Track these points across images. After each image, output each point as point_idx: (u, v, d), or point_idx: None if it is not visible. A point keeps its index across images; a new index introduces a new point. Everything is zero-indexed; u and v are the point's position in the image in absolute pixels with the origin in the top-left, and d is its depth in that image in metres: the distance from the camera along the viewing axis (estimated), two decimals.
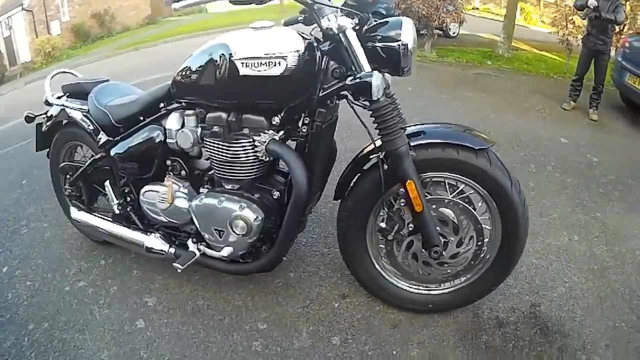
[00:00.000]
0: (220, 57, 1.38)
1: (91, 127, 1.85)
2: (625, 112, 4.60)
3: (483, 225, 1.53)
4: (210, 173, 1.66)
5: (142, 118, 1.70)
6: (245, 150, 1.47)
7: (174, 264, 1.63)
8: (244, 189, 1.55)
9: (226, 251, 1.58)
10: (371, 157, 1.50)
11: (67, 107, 1.93)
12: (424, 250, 1.53)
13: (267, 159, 1.47)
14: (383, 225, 1.51)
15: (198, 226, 1.64)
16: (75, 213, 1.98)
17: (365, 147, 1.54)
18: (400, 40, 1.33)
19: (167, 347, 1.61)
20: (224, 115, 1.48)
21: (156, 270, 1.99)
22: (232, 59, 1.35)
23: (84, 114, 1.87)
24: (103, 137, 1.82)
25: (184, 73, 1.50)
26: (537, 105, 4.67)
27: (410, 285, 1.68)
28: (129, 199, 1.87)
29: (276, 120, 1.43)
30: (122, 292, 1.89)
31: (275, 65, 1.31)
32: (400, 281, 1.68)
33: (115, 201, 1.89)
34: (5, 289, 1.96)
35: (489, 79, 5.88)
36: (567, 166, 3.11)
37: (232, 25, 11.09)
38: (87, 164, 1.95)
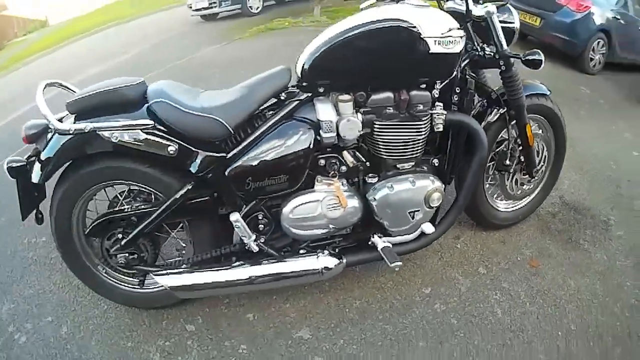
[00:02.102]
0: (403, 34, 1.41)
1: (170, 147, 1.40)
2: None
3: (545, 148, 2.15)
4: (367, 161, 1.62)
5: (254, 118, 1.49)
6: (425, 126, 1.57)
7: (392, 264, 1.56)
8: (417, 165, 1.66)
9: (428, 228, 1.69)
10: (494, 111, 1.87)
11: (105, 128, 1.36)
12: (524, 175, 2.08)
13: (437, 130, 1.62)
14: (508, 162, 1.98)
15: (383, 216, 1.61)
16: (164, 279, 1.54)
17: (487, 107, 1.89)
18: (514, 23, 1.76)
19: None
20: (391, 94, 1.51)
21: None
22: (422, 36, 1.42)
23: (148, 130, 1.39)
24: (199, 154, 1.44)
25: (330, 55, 1.43)
26: None
27: (507, 206, 2.22)
28: (263, 227, 1.59)
29: (436, 93, 1.58)
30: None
31: (457, 42, 1.50)
32: (501, 204, 2.20)
33: (252, 237, 1.56)
34: None
35: None
36: None
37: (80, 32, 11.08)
38: (167, 204, 1.48)
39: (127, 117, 1.39)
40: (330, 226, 1.58)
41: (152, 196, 1.62)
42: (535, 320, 1.74)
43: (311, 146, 1.47)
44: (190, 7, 8.77)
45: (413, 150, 1.60)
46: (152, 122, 1.39)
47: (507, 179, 2.10)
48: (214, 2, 8.40)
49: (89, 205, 1.62)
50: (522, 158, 2.01)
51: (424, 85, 1.54)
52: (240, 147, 1.47)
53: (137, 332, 1.74)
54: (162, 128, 1.40)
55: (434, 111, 1.58)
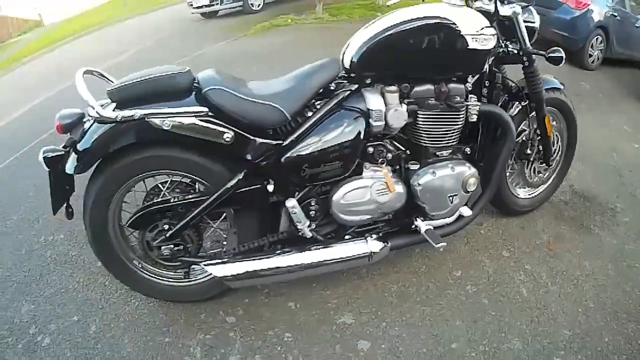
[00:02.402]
0: (445, 31, 1.54)
1: (227, 135, 1.42)
2: None
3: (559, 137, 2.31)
4: (407, 149, 1.74)
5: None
6: (462, 116, 1.69)
7: (437, 244, 1.67)
8: (453, 152, 1.80)
9: (466, 211, 1.83)
10: (515, 103, 2.01)
11: (157, 115, 1.35)
12: (541, 163, 2.25)
13: (471, 120, 1.76)
14: (528, 151, 2.13)
15: (425, 199, 1.71)
16: (216, 269, 1.56)
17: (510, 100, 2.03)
18: (535, 23, 1.90)
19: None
20: (431, 87, 1.63)
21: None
22: (461, 33, 1.55)
23: (203, 117, 1.40)
24: (256, 141, 1.48)
25: (377, 49, 1.53)
26: None
27: (525, 193, 2.38)
28: (314, 213, 1.65)
29: (469, 86, 1.73)
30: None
31: (490, 40, 1.65)
32: (520, 192, 2.36)
33: (307, 223, 1.63)
34: None
35: None
36: None
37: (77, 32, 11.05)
38: (219, 193, 1.51)
39: (179, 105, 1.39)
40: (378, 211, 1.68)
41: (196, 186, 1.66)
42: (557, 298, 1.90)
43: (362, 134, 1.56)
44: (191, 5, 8.78)
45: (451, 138, 1.73)
46: (206, 109, 1.40)
47: (527, 168, 2.26)
48: (216, 0, 8.43)
49: (126, 197, 1.62)
50: (540, 147, 2.17)
51: (458, 79, 1.70)
52: (296, 135, 1.52)
53: (174, 327, 1.74)
54: (217, 115, 1.42)
55: (469, 102, 1.73)
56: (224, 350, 1.65)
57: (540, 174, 2.33)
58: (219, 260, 1.59)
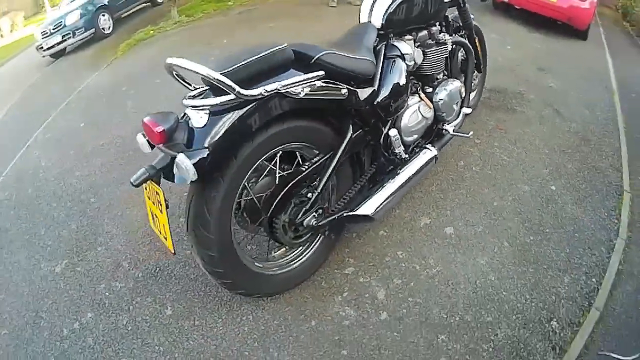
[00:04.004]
0: None
1: (343, 90, 1.62)
2: None
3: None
4: (419, 75, 2.14)
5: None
6: (447, 46, 2.20)
7: (468, 134, 2.34)
8: (445, 74, 2.37)
9: (467, 110, 2.40)
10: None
11: (291, 85, 1.43)
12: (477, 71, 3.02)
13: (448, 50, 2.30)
14: (475, 61, 2.85)
15: (444, 109, 2.18)
16: (365, 209, 1.75)
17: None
18: None
19: None
20: (426, 32, 2.12)
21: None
22: None
23: (323, 79, 1.53)
24: (358, 92, 1.72)
25: (395, 11, 1.94)
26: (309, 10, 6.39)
27: (471, 98, 3.15)
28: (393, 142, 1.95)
29: (444, 26, 2.35)
30: None
31: None
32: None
33: (401, 147, 1.97)
34: None
35: (256, 11, 7.00)
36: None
37: None
38: (345, 145, 1.71)
39: (299, 74, 1.47)
40: (424, 125, 2.13)
41: (312, 151, 1.74)
42: (525, 154, 2.72)
43: (406, 72, 1.97)
44: (42, 48, 7.63)
45: (442, 64, 2.25)
46: (322, 72, 1.52)
47: (469, 77, 3.03)
48: (68, 34, 7.57)
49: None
50: (475, 60, 2.94)
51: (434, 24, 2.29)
52: (377, 81, 1.84)
53: (313, 305, 1.78)
54: (331, 76, 1.58)
55: (446, 38, 2.23)
56: (367, 293, 1.82)
57: (475, 81, 3.12)
58: (363, 203, 1.78)
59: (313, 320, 1.73)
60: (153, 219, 1.53)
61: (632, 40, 6.56)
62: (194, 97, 1.47)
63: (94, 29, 7.96)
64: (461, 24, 2.63)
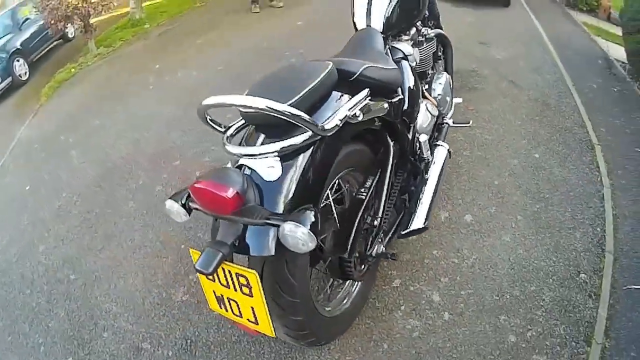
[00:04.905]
0: None
1: (385, 104, 1.61)
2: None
3: None
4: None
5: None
6: (433, 41, 2.32)
7: (469, 123, 2.54)
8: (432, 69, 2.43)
9: (458, 100, 2.61)
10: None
11: (353, 108, 1.35)
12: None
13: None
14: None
15: (442, 104, 2.27)
16: (416, 223, 1.82)
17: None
18: None
19: None
20: (415, 30, 2.20)
21: None
22: None
23: (371, 98, 1.48)
24: (394, 102, 1.72)
25: (395, 12, 1.98)
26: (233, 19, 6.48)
27: None
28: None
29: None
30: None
31: None
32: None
33: (429, 152, 2.07)
34: None
35: (177, 28, 6.98)
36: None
37: None
38: (391, 158, 1.72)
39: (350, 96, 1.40)
40: (432, 121, 2.19)
41: (358, 176, 1.71)
42: (502, 129, 3.06)
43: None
44: None
45: (431, 59, 2.33)
46: (367, 89, 1.46)
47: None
48: None
49: None
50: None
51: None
52: (400, 89, 1.83)
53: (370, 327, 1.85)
54: (374, 91, 1.52)
55: (430, 32, 2.30)
56: (422, 300, 1.97)
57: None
58: (410, 215, 1.85)
59: (384, 343, 1.80)
60: (225, 302, 1.28)
61: None
62: (231, 138, 1.32)
63: (10, 78, 7.56)
64: (428, 14, 2.67)
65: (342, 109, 1.31)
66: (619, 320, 1.85)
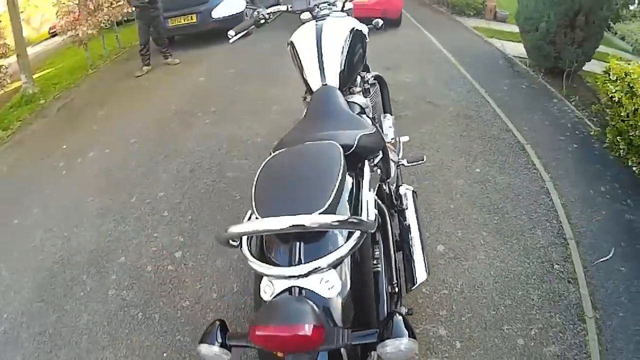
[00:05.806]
0: (363, 35, 2.13)
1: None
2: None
3: None
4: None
5: None
6: (377, 85, 2.40)
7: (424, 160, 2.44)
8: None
9: (405, 138, 2.45)
10: None
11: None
12: None
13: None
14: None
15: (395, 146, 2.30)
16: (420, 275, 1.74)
17: None
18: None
19: None
20: (359, 77, 2.19)
21: None
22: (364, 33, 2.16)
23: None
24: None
25: (347, 65, 1.96)
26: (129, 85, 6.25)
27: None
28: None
29: None
30: None
31: None
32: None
33: (411, 199, 2.00)
34: None
35: (74, 101, 6.48)
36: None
37: None
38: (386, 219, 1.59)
39: (353, 173, 1.40)
40: (395, 167, 2.11)
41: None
42: (437, 152, 3.30)
43: None
44: None
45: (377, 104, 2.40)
46: (366, 160, 1.52)
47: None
48: None
49: None
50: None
51: None
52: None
53: None
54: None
55: (369, 76, 2.27)
56: (432, 338, 2.06)
57: None
58: (411, 269, 1.75)
59: None
60: None
61: (431, 8, 7.87)
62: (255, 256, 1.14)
63: None
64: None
65: (366, 193, 1.23)
66: (599, 292, 2.14)
